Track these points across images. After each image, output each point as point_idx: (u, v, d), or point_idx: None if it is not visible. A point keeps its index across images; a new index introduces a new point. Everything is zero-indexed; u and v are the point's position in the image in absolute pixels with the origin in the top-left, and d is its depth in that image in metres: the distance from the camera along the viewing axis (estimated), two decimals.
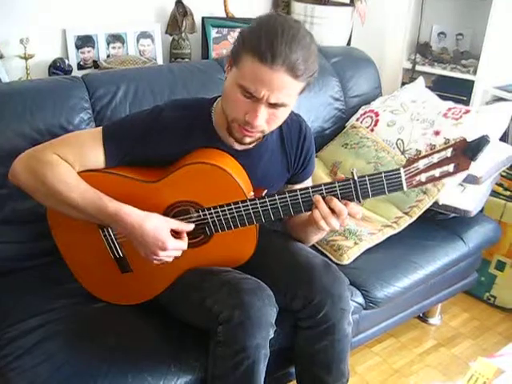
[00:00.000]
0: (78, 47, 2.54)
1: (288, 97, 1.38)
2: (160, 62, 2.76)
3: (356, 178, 1.39)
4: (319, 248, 2.04)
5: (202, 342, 1.52)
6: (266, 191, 1.51)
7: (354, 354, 2.31)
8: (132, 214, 1.42)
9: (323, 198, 1.42)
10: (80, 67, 2.57)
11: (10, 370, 1.46)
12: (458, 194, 2.21)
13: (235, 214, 1.46)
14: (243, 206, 1.45)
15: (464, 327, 2.57)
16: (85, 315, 1.64)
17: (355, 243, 2.02)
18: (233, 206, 1.45)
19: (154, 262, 1.48)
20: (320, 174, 2.33)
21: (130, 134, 1.50)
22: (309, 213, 1.47)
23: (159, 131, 1.50)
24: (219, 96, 1.55)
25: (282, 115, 1.44)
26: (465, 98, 2.87)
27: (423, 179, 1.37)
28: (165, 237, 1.43)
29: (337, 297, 1.56)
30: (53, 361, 1.47)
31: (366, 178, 1.38)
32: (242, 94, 1.37)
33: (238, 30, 1.47)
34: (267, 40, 1.30)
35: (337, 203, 1.41)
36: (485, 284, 2.67)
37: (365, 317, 1.96)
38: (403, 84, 2.99)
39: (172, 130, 1.51)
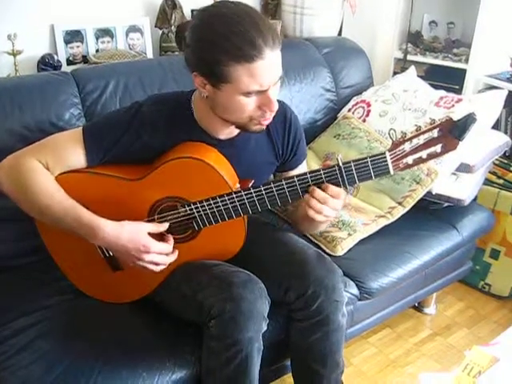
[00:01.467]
0: (66, 42, 2.52)
1: (281, 67, 1.39)
2: (150, 55, 2.74)
3: (341, 164, 1.38)
4: (313, 239, 2.03)
5: (197, 336, 1.52)
6: (252, 182, 1.50)
7: (350, 346, 2.31)
8: (107, 225, 1.40)
9: (306, 191, 1.42)
10: (69, 62, 2.54)
11: (2, 369, 1.45)
12: (452, 183, 2.21)
13: (222, 208, 1.45)
14: (229, 199, 1.44)
15: (459, 316, 2.57)
16: (78, 312, 1.64)
17: (349, 234, 2.02)
18: (219, 200, 1.44)
19: (146, 267, 1.47)
20: (313, 165, 2.32)
21: (109, 132, 1.49)
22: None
23: (139, 127, 1.49)
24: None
25: (279, 84, 1.44)
26: (457, 87, 2.86)
27: (410, 161, 1.35)
28: (145, 240, 1.42)
29: (330, 288, 1.55)
30: (46, 359, 1.47)
31: (352, 164, 1.37)
32: (248, 96, 1.36)
33: None
34: (242, 41, 1.28)
35: (319, 193, 1.40)
36: (479, 272, 2.67)
37: (360, 308, 1.96)
38: (395, 74, 2.99)
39: (152, 125, 1.50)
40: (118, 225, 1.42)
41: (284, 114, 1.65)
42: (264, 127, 1.48)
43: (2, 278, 1.77)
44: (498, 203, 2.57)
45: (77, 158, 1.48)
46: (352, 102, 2.53)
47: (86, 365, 1.46)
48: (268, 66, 1.33)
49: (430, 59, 2.97)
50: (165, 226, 1.49)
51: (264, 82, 1.34)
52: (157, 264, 1.47)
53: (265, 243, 1.68)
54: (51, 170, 1.46)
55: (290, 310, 1.60)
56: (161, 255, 1.46)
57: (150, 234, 1.45)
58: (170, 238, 1.50)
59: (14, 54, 2.32)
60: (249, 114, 1.41)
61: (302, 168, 1.75)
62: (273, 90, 1.39)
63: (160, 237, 1.48)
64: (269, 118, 1.45)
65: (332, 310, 1.56)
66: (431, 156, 1.34)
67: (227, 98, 1.38)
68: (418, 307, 2.58)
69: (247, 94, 1.35)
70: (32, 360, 1.46)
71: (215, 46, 1.30)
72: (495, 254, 2.62)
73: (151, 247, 1.42)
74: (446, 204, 2.24)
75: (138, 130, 1.49)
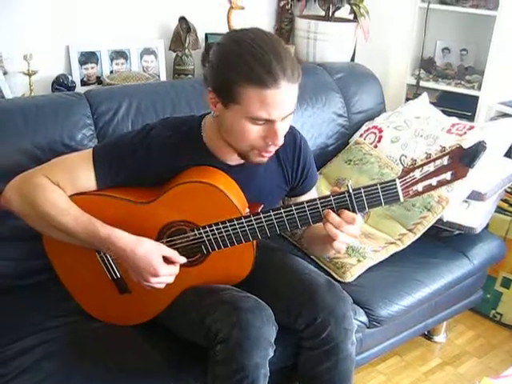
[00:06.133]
0: (81, 63, 2.54)
1: (295, 103, 1.39)
2: (163, 78, 2.76)
3: (351, 190, 1.37)
4: (322, 265, 2.02)
5: (202, 360, 1.50)
6: (261, 207, 1.49)
7: (358, 373, 2.28)
8: (123, 239, 1.41)
9: (316, 217, 1.41)
10: (83, 83, 2.56)
11: None
12: (463, 210, 2.20)
13: (231, 232, 1.45)
14: (238, 224, 1.44)
15: (470, 345, 2.53)
16: (84, 334, 1.63)
17: (358, 261, 2.00)
18: (228, 224, 1.44)
19: (147, 287, 1.47)
20: (323, 190, 2.31)
21: (119, 154, 1.50)
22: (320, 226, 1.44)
23: (148, 150, 1.49)
24: (208, 113, 1.55)
25: (290, 121, 1.44)
26: (469, 114, 2.86)
27: (420, 189, 1.35)
28: (156, 263, 1.42)
29: (340, 316, 1.54)
30: (51, 380, 1.46)
31: (362, 190, 1.37)
32: (254, 123, 1.36)
33: None
34: (259, 65, 1.29)
35: (334, 217, 1.38)
36: (491, 301, 2.64)
37: (368, 335, 1.94)
38: (407, 100, 2.99)
39: (162, 148, 1.50)
40: (135, 239, 1.42)
41: (294, 139, 1.65)
42: (265, 160, 1.48)
43: (9, 297, 1.76)
44: (509, 231, 2.54)
45: (87, 178, 1.48)
46: (364, 128, 2.53)
47: None
48: (281, 98, 1.33)
49: (442, 86, 2.98)
50: (183, 260, 1.48)
51: (273, 112, 1.33)
52: (161, 284, 1.47)
53: (274, 269, 1.67)
54: (62, 189, 1.47)
55: (299, 337, 1.59)
56: (166, 277, 1.46)
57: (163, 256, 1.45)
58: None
59: (30, 74, 2.34)
60: (251, 143, 1.41)
61: (311, 193, 1.74)
62: (281, 125, 1.38)
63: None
64: (271, 151, 1.45)
65: (342, 339, 1.54)
66: (441, 183, 1.34)
67: (233, 119, 1.38)
68: (428, 335, 2.55)
69: (254, 120, 1.35)
70: (37, 381, 1.45)
71: (234, 65, 1.31)
72: (507, 283, 2.59)
73: (160, 272, 1.42)
74: (457, 232, 2.22)
75: (147, 154, 1.49)
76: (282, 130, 1.39)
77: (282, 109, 1.35)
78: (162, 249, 1.45)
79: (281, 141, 1.40)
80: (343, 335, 1.55)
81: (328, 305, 1.54)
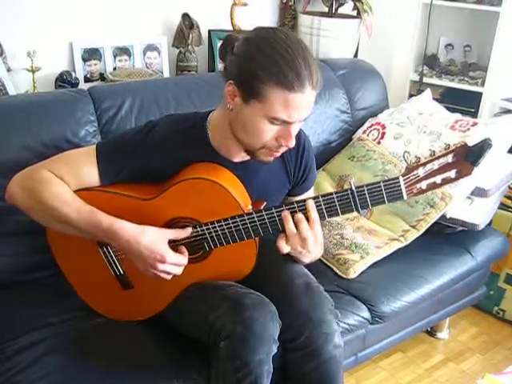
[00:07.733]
0: (84, 60, 2.55)
1: (311, 109, 1.41)
2: (166, 74, 2.76)
3: (354, 188, 1.37)
4: (325, 262, 2.02)
5: (205, 356, 1.50)
6: (264, 204, 1.49)
7: (361, 369, 2.28)
8: (126, 229, 1.41)
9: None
10: (87, 80, 2.57)
11: None
12: (466, 207, 2.19)
13: (233, 229, 1.45)
14: (241, 221, 1.43)
15: (473, 342, 2.53)
16: (87, 330, 1.63)
17: (361, 257, 2.00)
18: (230, 221, 1.44)
19: (154, 275, 1.46)
20: (327, 187, 2.32)
21: (122, 150, 1.50)
22: None
23: (151, 146, 1.50)
24: (213, 110, 1.55)
25: (301, 124, 1.46)
26: (473, 110, 2.86)
27: (424, 187, 1.34)
28: (163, 249, 1.41)
29: (317, 321, 1.51)
30: (53, 376, 1.46)
31: (365, 188, 1.36)
32: (271, 123, 1.37)
33: None
34: (290, 68, 1.31)
35: (304, 227, 1.40)
36: (494, 298, 2.64)
37: (371, 331, 1.94)
38: (410, 96, 2.98)
39: (165, 144, 1.50)
40: (138, 228, 1.41)
41: (298, 138, 1.64)
42: (271, 160, 1.49)
43: (13, 293, 1.77)
44: None
45: (91, 174, 1.49)
46: (367, 124, 2.53)
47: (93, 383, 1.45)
48: (304, 102, 1.35)
49: (445, 82, 2.98)
50: (187, 232, 1.48)
51: (294, 115, 1.36)
52: (169, 273, 1.46)
53: (270, 267, 1.64)
54: (66, 183, 1.47)
55: (282, 339, 1.54)
56: (174, 266, 1.45)
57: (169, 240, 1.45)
58: (185, 249, 1.49)
59: (33, 70, 2.35)
60: (264, 141, 1.41)
61: (308, 194, 1.74)
62: (295, 127, 1.40)
63: (173, 248, 1.47)
64: (280, 151, 1.46)
65: (321, 343, 1.52)
66: (445, 181, 1.33)
67: (252, 115, 1.38)
68: (431, 332, 2.55)
69: (272, 119, 1.36)
70: (39, 376, 1.45)
71: (264, 63, 1.32)
72: (510, 280, 2.58)
73: (167, 258, 1.41)
74: (460, 228, 2.22)
75: (150, 150, 1.49)
76: (295, 132, 1.41)
77: (302, 113, 1.37)
78: (165, 233, 1.45)
79: (293, 143, 1.42)
80: (322, 339, 1.52)
81: (303, 310, 1.52)
